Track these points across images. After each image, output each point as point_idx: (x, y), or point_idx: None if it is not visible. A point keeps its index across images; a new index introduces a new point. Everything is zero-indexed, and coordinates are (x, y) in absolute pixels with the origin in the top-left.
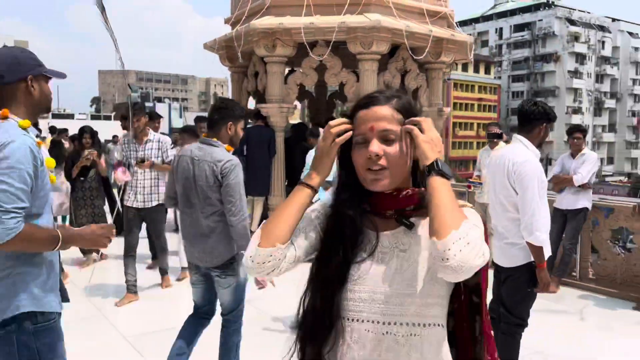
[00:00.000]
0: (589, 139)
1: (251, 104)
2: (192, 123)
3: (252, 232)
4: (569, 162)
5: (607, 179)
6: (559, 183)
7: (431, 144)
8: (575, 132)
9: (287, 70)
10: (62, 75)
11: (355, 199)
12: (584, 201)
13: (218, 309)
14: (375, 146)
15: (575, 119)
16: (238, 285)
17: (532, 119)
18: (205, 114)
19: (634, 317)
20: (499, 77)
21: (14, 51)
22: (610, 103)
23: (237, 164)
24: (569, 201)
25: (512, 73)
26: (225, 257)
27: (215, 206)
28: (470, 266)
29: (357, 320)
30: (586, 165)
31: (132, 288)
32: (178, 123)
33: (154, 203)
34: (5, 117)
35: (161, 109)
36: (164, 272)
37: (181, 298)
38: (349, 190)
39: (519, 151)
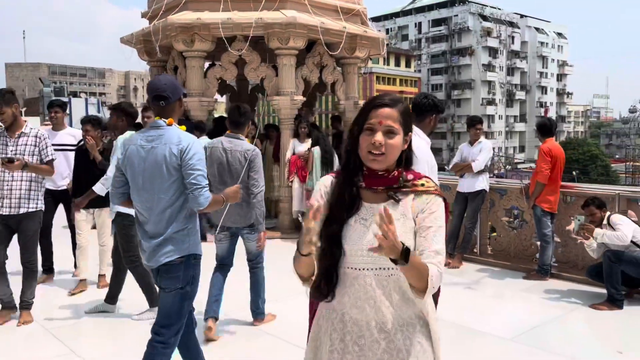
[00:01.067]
0: (502, 129)
1: None
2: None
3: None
4: (467, 149)
5: (519, 166)
6: (460, 170)
7: (389, 247)
8: (477, 124)
9: (207, 64)
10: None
11: (353, 178)
12: (482, 184)
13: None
14: (380, 136)
15: (490, 110)
16: (259, 239)
17: (424, 111)
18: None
19: (522, 284)
20: (419, 71)
21: (171, 79)
22: (520, 95)
23: (259, 152)
24: (468, 184)
25: (431, 66)
26: (252, 219)
27: (244, 182)
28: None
29: (356, 269)
30: (483, 153)
31: (7, 304)
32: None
33: (26, 210)
34: (171, 124)
35: (77, 103)
36: (25, 305)
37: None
38: (348, 171)
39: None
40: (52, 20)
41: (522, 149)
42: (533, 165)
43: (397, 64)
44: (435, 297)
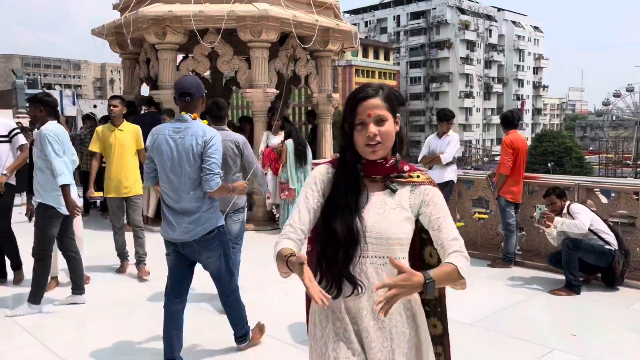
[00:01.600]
0: (480, 122)
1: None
2: (88, 110)
3: (147, 218)
4: (435, 142)
5: (496, 158)
6: (429, 162)
7: (406, 289)
8: (452, 118)
9: (181, 57)
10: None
11: (355, 171)
12: (450, 175)
13: None
14: (373, 128)
15: (467, 103)
16: (243, 221)
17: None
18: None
19: (488, 272)
20: (398, 63)
21: (195, 79)
22: (497, 87)
23: (245, 140)
24: (437, 175)
25: (409, 59)
26: (237, 204)
27: (237, 168)
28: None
29: (365, 257)
30: (451, 145)
31: None
32: (71, 111)
33: None
34: (195, 119)
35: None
36: None
37: None
38: (347, 163)
39: None
40: (24, 11)
41: (499, 141)
42: None
43: (376, 57)
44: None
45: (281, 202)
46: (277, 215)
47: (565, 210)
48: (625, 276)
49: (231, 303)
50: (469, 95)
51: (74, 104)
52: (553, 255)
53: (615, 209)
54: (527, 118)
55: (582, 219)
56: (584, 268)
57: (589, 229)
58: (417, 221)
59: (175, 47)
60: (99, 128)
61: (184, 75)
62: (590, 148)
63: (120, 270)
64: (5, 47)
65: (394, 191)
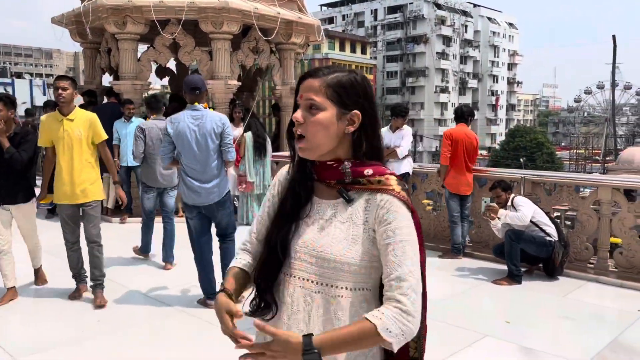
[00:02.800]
0: None
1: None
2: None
3: (106, 209)
4: (389, 136)
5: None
6: (386, 156)
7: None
8: (406, 115)
9: (146, 47)
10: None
11: (306, 169)
12: (406, 167)
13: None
14: (298, 113)
15: (443, 98)
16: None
17: None
18: None
19: (437, 263)
20: (375, 58)
21: (200, 77)
22: (473, 83)
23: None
24: (394, 168)
25: (386, 53)
26: (174, 182)
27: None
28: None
29: (294, 277)
30: (405, 139)
31: None
32: (42, 100)
33: None
34: (206, 107)
35: (21, 85)
36: None
37: None
38: (300, 162)
39: None
40: None
41: None
42: (484, 152)
43: (353, 51)
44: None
45: (240, 195)
46: (238, 207)
47: (509, 203)
48: (564, 267)
49: (232, 247)
50: (444, 90)
51: (44, 93)
52: (498, 247)
53: (558, 203)
54: (502, 113)
55: (524, 212)
56: (526, 259)
57: (531, 221)
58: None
59: (136, 37)
60: (44, 117)
61: (192, 73)
62: (562, 144)
63: (75, 295)
64: None
65: (347, 201)
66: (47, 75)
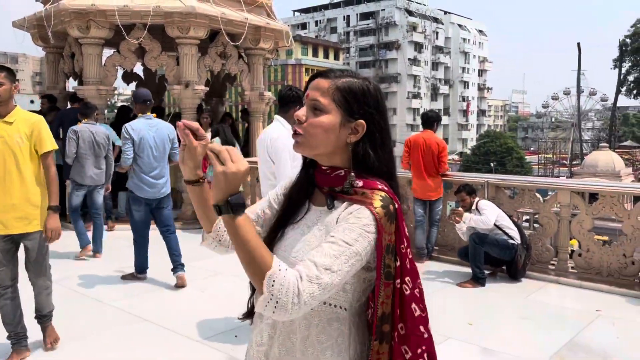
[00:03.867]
0: None
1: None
2: (24, 106)
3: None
4: None
5: None
6: None
7: (222, 180)
8: None
9: (111, 51)
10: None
11: (308, 174)
12: None
13: None
14: (301, 111)
15: (415, 104)
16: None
17: (288, 102)
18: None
19: None
20: (348, 63)
21: (147, 90)
22: (444, 89)
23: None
24: None
25: (359, 59)
26: (102, 181)
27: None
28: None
29: None
30: None
31: None
32: None
33: None
34: (155, 117)
35: None
36: None
37: None
38: (305, 167)
39: (275, 129)
40: None
41: (446, 141)
42: (455, 156)
43: (326, 56)
44: None
45: None
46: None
47: (474, 207)
48: (527, 269)
49: (175, 237)
50: (416, 96)
51: None
52: (462, 250)
53: (521, 206)
54: (473, 119)
55: (488, 215)
56: (489, 261)
57: (495, 225)
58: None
59: (101, 41)
60: None
61: (141, 88)
62: (532, 148)
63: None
64: None
65: (329, 207)
66: None
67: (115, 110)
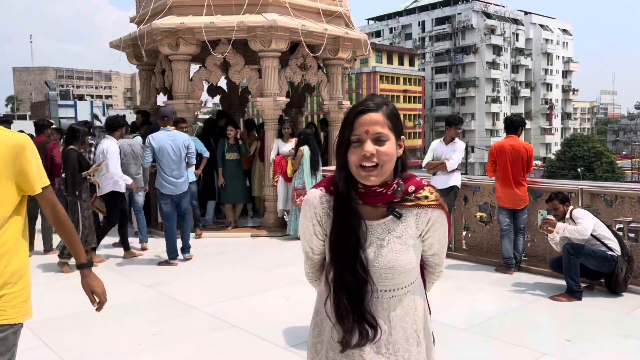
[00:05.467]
0: None
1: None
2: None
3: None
4: (441, 148)
5: None
6: (434, 168)
7: None
8: (460, 124)
9: (198, 67)
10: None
11: (349, 199)
12: (454, 180)
13: None
14: (370, 146)
15: (495, 108)
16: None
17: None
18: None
19: (490, 277)
20: (423, 69)
21: (171, 108)
22: (525, 92)
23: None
24: (441, 181)
25: (435, 65)
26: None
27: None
28: None
29: (381, 291)
30: (457, 153)
31: None
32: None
33: None
34: (174, 128)
35: (83, 106)
36: None
37: None
38: (346, 187)
39: None
40: (53, 25)
41: None
42: (539, 162)
43: (401, 63)
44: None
45: (293, 209)
46: (288, 222)
47: (568, 216)
48: (629, 282)
49: (187, 222)
50: (495, 100)
51: (103, 114)
52: (555, 261)
53: (620, 215)
54: (557, 122)
55: (584, 225)
56: (586, 274)
57: (592, 235)
58: None
59: (189, 57)
60: None
61: (163, 107)
62: (623, 152)
63: None
64: (40, 60)
65: (398, 217)
66: (107, 97)
67: (199, 123)
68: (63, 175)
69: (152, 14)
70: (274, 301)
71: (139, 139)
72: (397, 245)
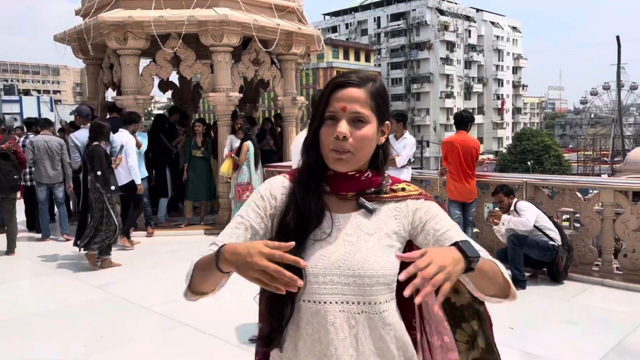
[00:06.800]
0: None
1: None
2: (65, 117)
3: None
4: (393, 143)
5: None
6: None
7: (446, 268)
8: (405, 121)
9: (147, 61)
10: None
11: (316, 180)
12: (405, 176)
13: None
14: (344, 127)
15: (449, 103)
16: None
17: None
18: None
19: None
20: (379, 65)
21: (85, 106)
22: (478, 87)
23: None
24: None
25: (390, 60)
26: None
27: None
28: None
29: (316, 302)
30: (407, 149)
31: None
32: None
33: None
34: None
35: (29, 102)
36: None
37: None
38: (310, 170)
39: None
40: None
41: (480, 140)
42: (491, 156)
43: (357, 59)
44: None
45: (237, 205)
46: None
47: (512, 208)
48: (569, 271)
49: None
50: (449, 95)
51: (51, 110)
52: (501, 252)
53: (561, 206)
54: (508, 117)
55: (527, 216)
56: (530, 263)
57: (535, 226)
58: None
59: (138, 52)
60: None
61: (82, 105)
62: (570, 146)
63: None
64: None
65: (370, 211)
66: (55, 92)
67: (152, 119)
68: (98, 172)
69: (99, 6)
70: (228, 299)
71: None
72: (368, 244)
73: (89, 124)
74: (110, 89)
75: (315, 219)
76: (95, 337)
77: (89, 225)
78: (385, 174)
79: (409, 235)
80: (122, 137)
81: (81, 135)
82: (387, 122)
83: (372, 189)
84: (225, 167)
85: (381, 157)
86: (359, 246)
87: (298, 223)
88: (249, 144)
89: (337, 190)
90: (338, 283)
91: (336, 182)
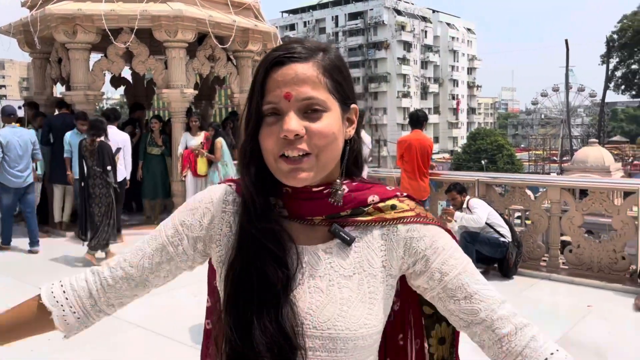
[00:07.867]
0: None
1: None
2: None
3: (62, 223)
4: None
5: (433, 156)
6: None
7: None
8: (361, 118)
9: (98, 56)
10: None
11: (265, 210)
12: (363, 174)
13: None
14: (294, 122)
15: (405, 103)
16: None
17: None
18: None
19: None
20: None
21: (11, 105)
22: (434, 87)
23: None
24: None
25: (348, 59)
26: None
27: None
28: None
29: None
30: (364, 147)
31: None
32: None
33: None
34: (19, 126)
35: None
36: None
37: None
38: (252, 198)
39: None
40: None
41: (436, 139)
42: (447, 155)
43: None
44: None
45: None
46: None
47: (465, 205)
48: (519, 266)
49: (32, 218)
50: (406, 95)
51: None
52: None
53: (511, 203)
54: (463, 117)
55: (479, 214)
56: (481, 259)
57: (486, 223)
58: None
59: (88, 46)
60: None
61: (6, 104)
62: (522, 145)
63: None
64: None
65: (348, 243)
66: (0, 86)
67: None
68: (108, 167)
69: None
70: (182, 299)
71: (33, 131)
72: (344, 290)
73: (13, 123)
74: (59, 84)
75: (283, 270)
76: (42, 341)
77: (94, 220)
78: (337, 181)
79: (402, 273)
80: (122, 135)
81: (5, 133)
82: (353, 105)
83: (349, 210)
84: (204, 167)
85: (347, 157)
86: (331, 295)
87: (258, 279)
88: (221, 140)
89: (298, 213)
90: (307, 347)
91: (295, 204)
